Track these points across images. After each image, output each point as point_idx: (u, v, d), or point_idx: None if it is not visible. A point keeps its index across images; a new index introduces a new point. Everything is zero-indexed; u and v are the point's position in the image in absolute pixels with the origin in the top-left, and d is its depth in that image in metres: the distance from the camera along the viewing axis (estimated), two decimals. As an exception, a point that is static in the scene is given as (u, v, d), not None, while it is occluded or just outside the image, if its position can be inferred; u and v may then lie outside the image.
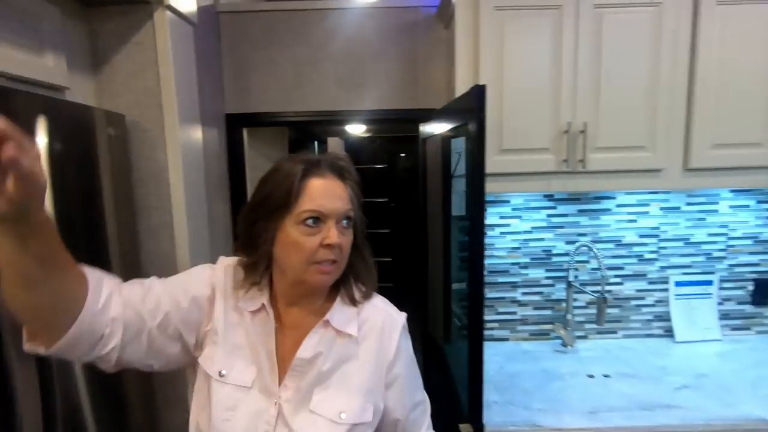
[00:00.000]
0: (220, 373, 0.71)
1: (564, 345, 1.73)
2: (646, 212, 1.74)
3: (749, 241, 1.76)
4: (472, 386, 1.07)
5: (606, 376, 1.51)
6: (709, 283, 1.77)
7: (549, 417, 1.26)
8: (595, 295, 1.59)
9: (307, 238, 0.69)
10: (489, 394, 1.38)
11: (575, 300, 1.76)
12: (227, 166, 1.80)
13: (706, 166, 1.40)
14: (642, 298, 1.79)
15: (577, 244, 1.69)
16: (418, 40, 1.81)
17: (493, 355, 1.67)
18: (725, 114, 1.37)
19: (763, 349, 1.66)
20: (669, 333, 1.77)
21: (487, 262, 1.76)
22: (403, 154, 4.37)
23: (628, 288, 1.78)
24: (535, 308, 1.79)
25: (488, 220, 1.74)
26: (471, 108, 0.99)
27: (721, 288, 1.77)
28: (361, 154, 4.34)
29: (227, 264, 0.77)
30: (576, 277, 1.75)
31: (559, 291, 1.77)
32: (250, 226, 0.73)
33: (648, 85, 1.37)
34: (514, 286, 1.78)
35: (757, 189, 1.72)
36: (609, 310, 1.78)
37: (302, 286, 0.73)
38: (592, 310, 1.77)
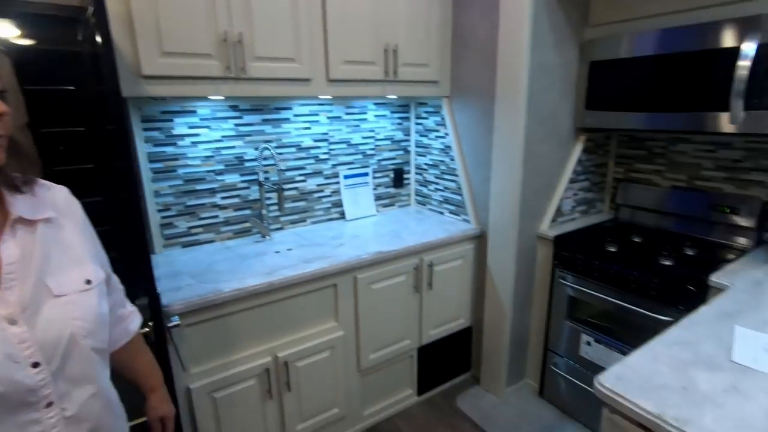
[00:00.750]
0: None
1: (263, 236, 2.04)
2: (317, 121, 2.16)
3: (388, 142, 2.44)
4: (143, 265, 1.20)
5: (289, 249, 1.89)
6: (366, 174, 2.38)
7: (233, 284, 1.52)
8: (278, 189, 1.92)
9: None
10: (183, 281, 1.55)
11: (268, 198, 2.07)
12: None
13: (341, 78, 1.84)
14: (322, 191, 2.26)
15: (261, 148, 1.97)
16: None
17: (197, 256, 1.83)
18: (349, 38, 1.81)
19: (398, 217, 2.40)
20: (343, 215, 2.33)
21: (182, 171, 1.85)
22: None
23: (311, 184, 2.21)
24: (236, 210, 2.02)
25: (177, 131, 1.81)
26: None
27: (374, 177, 2.42)
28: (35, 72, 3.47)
29: None
30: (267, 178, 2.05)
31: (254, 192, 2.04)
32: None
33: (291, 8, 1.65)
34: (212, 191, 1.94)
35: (389, 102, 2.37)
36: (297, 204, 2.18)
37: None
38: (286, 204, 2.13)
